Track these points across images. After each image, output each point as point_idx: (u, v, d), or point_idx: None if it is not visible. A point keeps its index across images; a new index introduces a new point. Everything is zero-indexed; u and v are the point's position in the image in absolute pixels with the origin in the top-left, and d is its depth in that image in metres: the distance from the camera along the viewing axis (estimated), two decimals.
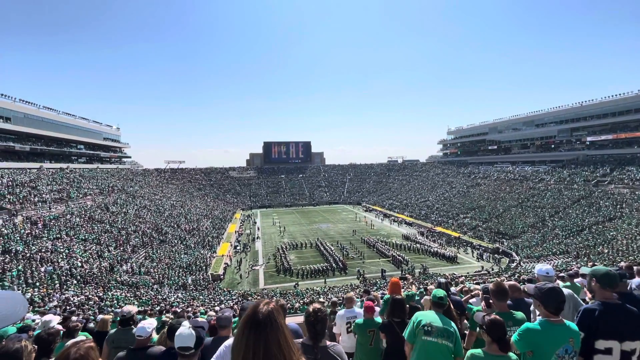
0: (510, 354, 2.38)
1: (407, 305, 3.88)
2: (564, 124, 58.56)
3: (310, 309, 2.10)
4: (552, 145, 60.42)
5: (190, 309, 13.63)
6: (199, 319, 4.72)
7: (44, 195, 31.84)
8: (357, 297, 8.51)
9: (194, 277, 27.03)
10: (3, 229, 22.40)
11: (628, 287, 3.50)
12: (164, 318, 8.60)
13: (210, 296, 21.40)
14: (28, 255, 20.27)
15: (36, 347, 2.32)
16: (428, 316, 2.97)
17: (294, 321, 4.71)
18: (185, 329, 2.15)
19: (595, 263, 13.52)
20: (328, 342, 2.06)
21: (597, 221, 33.05)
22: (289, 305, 16.13)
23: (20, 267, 18.32)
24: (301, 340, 2.14)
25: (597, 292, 2.61)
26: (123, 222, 34.24)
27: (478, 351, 2.44)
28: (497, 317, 2.46)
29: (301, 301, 16.97)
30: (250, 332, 1.18)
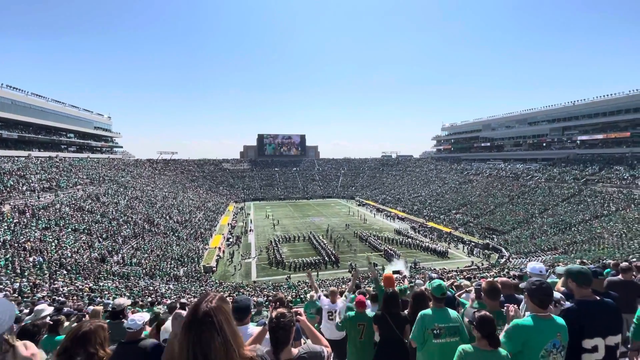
0: (500, 349, 2.43)
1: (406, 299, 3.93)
2: (555, 122, 59.24)
3: (273, 314, 1.90)
4: (544, 144, 61.16)
5: (184, 300, 13.61)
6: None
7: (32, 184, 31.23)
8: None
9: (185, 268, 26.95)
10: None
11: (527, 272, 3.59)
12: (155, 310, 8.57)
13: (202, 288, 21.38)
14: (16, 244, 19.94)
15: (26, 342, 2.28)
16: (434, 318, 3.02)
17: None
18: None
19: (584, 260, 13.85)
20: (295, 350, 1.88)
21: (584, 219, 33.75)
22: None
23: (8, 257, 18.01)
24: (265, 350, 1.85)
25: (575, 291, 2.67)
26: (114, 212, 33.83)
27: (469, 346, 2.49)
28: (487, 313, 2.51)
29: (293, 293, 17.06)
30: (188, 334, 1.16)
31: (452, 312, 3.07)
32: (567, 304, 2.74)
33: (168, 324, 2.15)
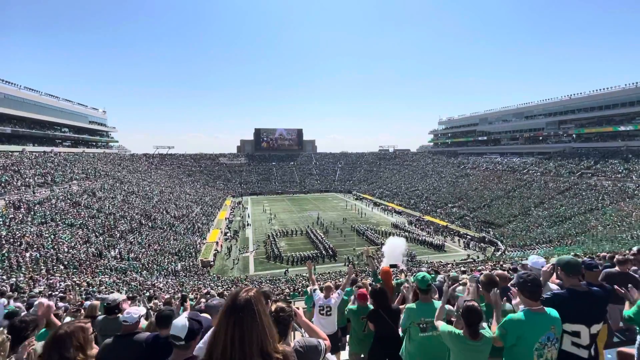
0: (484, 342, 2.46)
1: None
2: (552, 116, 59.39)
3: (273, 307, 1.95)
4: (540, 138, 61.38)
5: (179, 295, 13.63)
6: (204, 315, 4.70)
7: (27, 179, 30.95)
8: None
9: (183, 263, 26.97)
10: None
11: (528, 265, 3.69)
12: (150, 304, 8.59)
13: (200, 282, 21.43)
14: (12, 240, 19.82)
15: (10, 336, 2.28)
16: (419, 312, 3.03)
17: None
18: (181, 318, 2.14)
19: (577, 253, 14.02)
20: (292, 344, 1.91)
21: (579, 212, 34.07)
22: (278, 291, 16.30)
23: (4, 252, 17.93)
24: None
25: (564, 280, 2.75)
26: (111, 207, 33.67)
27: (458, 331, 2.55)
28: (475, 304, 2.55)
29: (291, 287, 17.15)
30: (229, 318, 1.23)
31: (438, 304, 3.07)
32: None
33: (178, 320, 2.15)
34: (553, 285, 3.36)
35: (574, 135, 54.89)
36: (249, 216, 49.18)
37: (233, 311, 1.23)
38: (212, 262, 29.58)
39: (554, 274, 3.50)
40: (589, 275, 3.11)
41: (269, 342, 1.25)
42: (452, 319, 3.02)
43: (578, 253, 16.21)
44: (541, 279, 3.10)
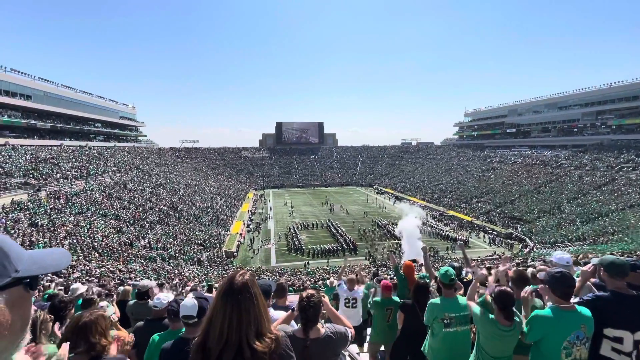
0: (516, 327, 2.44)
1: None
2: (589, 106, 55.79)
3: (304, 294, 2.06)
4: (575, 129, 57.93)
5: (204, 283, 14.16)
6: (206, 293, 4.93)
7: (65, 172, 32.96)
8: (370, 279, 8.62)
9: (208, 253, 27.93)
10: (29, 203, 23.46)
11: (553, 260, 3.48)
12: (177, 292, 8.97)
13: (224, 272, 22.13)
14: (52, 228, 21.27)
15: (52, 316, 2.45)
16: (443, 307, 2.99)
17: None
18: (189, 299, 2.29)
19: (614, 253, 13.21)
20: (322, 330, 1.95)
21: (617, 208, 32.01)
22: (299, 282, 16.55)
23: (46, 240, 19.28)
24: (290, 330, 1.94)
25: (607, 282, 2.56)
26: (140, 199, 35.27)
27: (491, 315, 2.55)
28: (507, 288, 2.53)
29: (312, 280, 17.38)
30: (226, 301, 1.27)
31: (462, 300, 3.01)
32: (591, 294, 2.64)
33: (186, 301, 2.34)
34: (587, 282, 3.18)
35: (613, 127, 51.35)
36: (270, 209, 50.00)
37: (231, 294, 1.27)
38: (235, 253, 30.43)
39: (596, 274, 3.32)
40: (630, 276, 2.91)
41: (264, 323, 1.29)
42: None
43: (614, 252, 15.27)
44: (579, 279, 2.95)
